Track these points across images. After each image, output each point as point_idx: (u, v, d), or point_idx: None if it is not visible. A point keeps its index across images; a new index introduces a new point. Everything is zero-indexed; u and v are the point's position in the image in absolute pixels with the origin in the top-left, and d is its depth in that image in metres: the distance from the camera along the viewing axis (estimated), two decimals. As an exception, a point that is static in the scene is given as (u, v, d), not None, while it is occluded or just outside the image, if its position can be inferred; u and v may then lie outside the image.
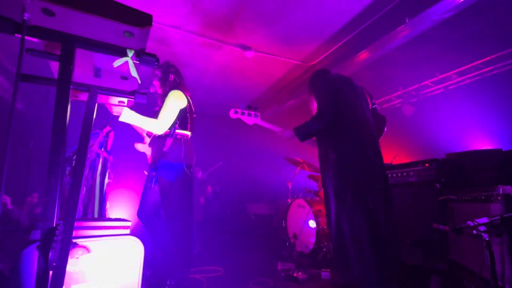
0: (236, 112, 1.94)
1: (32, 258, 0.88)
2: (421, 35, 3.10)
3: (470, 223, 1.24)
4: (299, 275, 2.44)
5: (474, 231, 1.23)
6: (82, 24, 0.69)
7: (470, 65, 3.76)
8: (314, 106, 2.06)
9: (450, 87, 4.13)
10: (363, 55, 3.56)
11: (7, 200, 3.02)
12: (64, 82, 0.73)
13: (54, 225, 0.74)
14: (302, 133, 1.78)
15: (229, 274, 2.68)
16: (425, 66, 4.08)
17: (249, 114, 1.95)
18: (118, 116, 1.95)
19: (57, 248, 0.74)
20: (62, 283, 0.74)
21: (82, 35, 0.72)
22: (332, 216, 1.68)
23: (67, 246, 0.77)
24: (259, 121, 1.97)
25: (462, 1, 2.50)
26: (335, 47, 3.73)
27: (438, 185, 2.09)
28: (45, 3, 0.62)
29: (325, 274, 2.46)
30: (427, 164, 2.22)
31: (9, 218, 2.86)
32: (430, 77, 4.22)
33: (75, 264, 0.98)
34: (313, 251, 3.22)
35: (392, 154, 3.68)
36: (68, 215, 0.80)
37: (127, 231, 1.22)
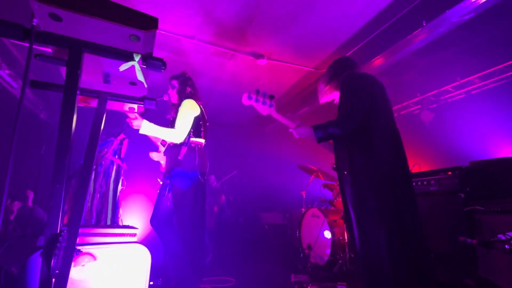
0: (250, 98, 1.72)
1: (38, 264, 0.87)
2: (440, 38, 2.99)
3: (502, 236, 1.13)
4: (314, 288, 2.34)
5: (506, 246, 1.12)
6: (89, 29, 0.69)
7: (494, 68, 3.58)
8: (328, 96, 1.88)
9: (473, 92, 3.94)
10: (379, 61, 3.47)
11: (30, 195, 3.13)
12: (71, 86, 0.73)
13: (58, 231, 0.73)
14: (322, 135, 1.59)
15: (240, 285, 2.61)
16: (444, 70, 3.92)
17: (263, 102, 1.73)
18: (131, 124, 2.01)
19: (60, 255, 0.72)
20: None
21: (89, 39, 0.72)
22: (355, 228, 1.54)
23: (70, 253, 0.75)
24: (273, 112, 1.76)
25: (483, 2, 2.40)
26: (349, 53, 3.67)
27: (462, 195, 1.96)
28: (52, 8, 0.63)
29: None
30: (449, 172, 2.09)
31: (30, 216, 2.96)
32: (450, 82, 4.05)
33: (81, 272, 0.97)
34: (328, 263, 3.09)
35: (411, 163, 3.51)
36: (73, 222, 0.79)
37: (134, 238, 1.20)
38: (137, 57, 0.78)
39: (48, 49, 0.88)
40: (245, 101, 1.74)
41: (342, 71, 1.81)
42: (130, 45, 0.75)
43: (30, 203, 3.01)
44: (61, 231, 0.73)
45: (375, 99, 1.59)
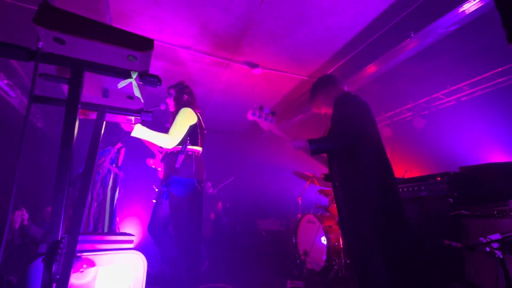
0: (254, 114, 1.86)
1: (39, 271, 0.90)
2: (429, 48, 3.10)
3: (483, 239, 1.18)
4: (309, 294, 2.36)
5: (487, 248, 1.18)
6: (90, 50, 0.76)
7: (482, 76, 3.69)
8: (322, 109, 2.03)
9: (462, 99, 4.05)
10: (371, 69, 3.57)
11: (25, 216, 3.13)
12: (73, 103, 0.79)
13: (59, 239, 0.77)
14: (316, 148, 1.71)
15: (237, 292, 2.63)
16: (435, 78, 4.04)
17: (265, 119, 1.88)
18: (129, 133, 2.05)
19: (61, 261, 0.76)
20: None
21: (89, 59, 0.78)
22: (349, 235, 1.67)
23: (70, 259, 0.79)
24: (273, 128, 1.92)
25: (467, 15, 2.51)
26: (342, 62, 3.77)
27: (451, 200, 2.02)
28: (56, 33, 0.69)
29: (336, 293, 2.36)
30: (438, 178, 2.16)
31: (26, 234, 2.95)
32: (441, 89, 4.16)
33: (80, 278, 1.00)
34: (324, 269, 3.12)
35: (403, 169, 3.59)
36: (73, 229, 0.84)
37: (131, 245, 1.24)
38: (134, 75, 0.83)
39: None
40: (250, 117, 1.88)
41: (334, 88, 1.97)
42: (128, 64, 0.81)
43: (25, 222, 2.99)
44: (62, 238, 0.78)
45: (363, 117, 1.74)
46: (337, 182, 1.76)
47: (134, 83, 0.84)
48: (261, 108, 1.88)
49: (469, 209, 1.77)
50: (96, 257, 1.06)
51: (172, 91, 2.44)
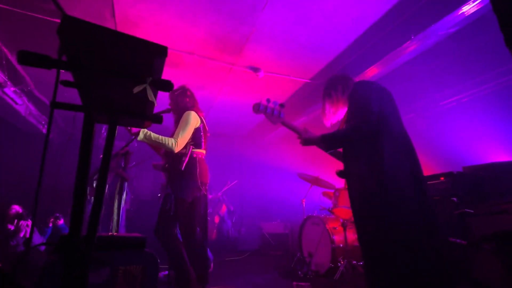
0: (259, 108, 1.65)
1: (56, 272, 0.94)
2: (430, 49, 3.14)
3: (487, 237, 1.20)
4: (315, 295, 2.37)
5: (491, 245, 1.20)
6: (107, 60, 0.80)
7: (483, 76, 3.72)
8: (336, 116, 1.82)
9: (464, 100, 4.07)
10: (372, 71, 3.61)
11: (29, 227, 3.17)
12: (90, 109, 0.83)
13: (78, 240, 0.81)
14: (330, 142, 1.56)
15: (243, 294, 2.64)
16: (436, 79, 4.06)
17: (273, 112, 1.67)
18: (135, 138, 2.09)
19: (80, 262, 0.80)
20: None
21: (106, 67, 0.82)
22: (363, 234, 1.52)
23: (89, 260, 0.83)
24: (283, 121, 1.72)
25: (466, 17, 2.54)
26: (343, 64, 3.81)
27: (455, 199, 2.04)
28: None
29: (342, 294, 2.37)
30: (442, 178, 2.18)
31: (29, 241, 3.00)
32: (442, 89, 4.18)
33: (96, 277, 1.03)
34: (329, 271, 3.13)
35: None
36: (90, 231, 0.87)
37: (143, 246, 1.27)
38: (148, 80, 0.87)
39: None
40: (255, 110, 1.69)
41: (348, 86, 1.75)
42: (143, 70, 0.85)
43: (27, 234, 3.02)
44: (80, 240, 0.81)
45: (383, 103, 1.56)
46: (354, 177, 1.58)
47: (148, 88, 0.88)
48: (268, 101, 1.68)
49: (473, 208, 1.79)
50: (111, 257, 1.09)
51: (175, 96, 2.49)
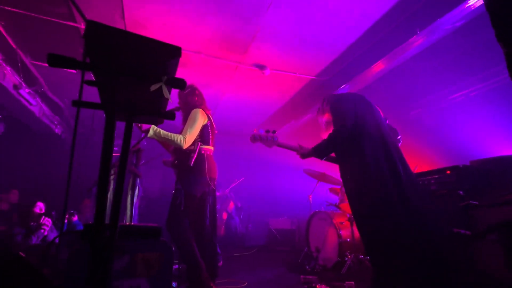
0: (255, 138, 2.05)
1: (82, 258, 1.01)
2: (436, 43, 3.14)
3: (490, 227, 1.23)
4: (322, 287, 2.43)
5: (495, 236, 1.23)
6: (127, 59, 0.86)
7: (493, 69, 3.68)
8: (329, 125, 2.08)
9: (472, 94, 4.04)
10: (378, 67, 3.62)
11: (48, 226, 3.34)
12: (111, 105, 0.90)
13: (103, 228, 0.88)
14: (319, 153, 1.82)
15: (253, 286, 2.71)
16: (444, 73, 4.04)
17: (267, 139, 2.05)
18: (146, 136, 2.17)
19: (106, 247, 0.87)
20: (110, 277, 0.87)
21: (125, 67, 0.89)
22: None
23: (112, 247, 0.90)
24: (278, 144, 2.08)
25: (473, 10, 2.54)
26: (349, 61, 3.83)
27: (461, 192, 2.05)
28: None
29: (349, 285, 2.42)
30: (448, 172, 2.19)
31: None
32: (450, 84, 4.16)
33: (117, 263, 1.11)
34: (336, 265, 3.17)
35: (413, 165, 3.60)
36: (113, 220, 0.94)
37: (159, 235, 1.35)
38: (164, 79, 0.94)
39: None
40: (252, 141, 2.06)
41: (328, 102, 2.03)
42: (159, 69, 0.91)
43: (46, 233, 3.17)
44: (104, 227, 0.88)
45: (358, 108, 1.81)
46: (348, 176, 1.82)
47: (164, 87, 0.95)
48: (260, 131, 2.06)
49: (479, 200, 1.81)
50: (130, 244, 1.16)
51: (183, 94, 2.56)
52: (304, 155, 1.98)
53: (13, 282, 1.11)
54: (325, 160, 2.06)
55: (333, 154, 2.05)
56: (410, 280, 1.46)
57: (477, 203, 1.76)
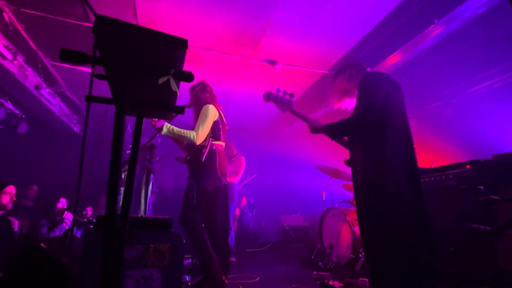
0: (269, 97, 1.78)
1: (97, 247, 1.05)
2: (455, 33, 2.99)
3: (510, 221, 1.17)
4: (335, 283, 2.40)
5: (518, 231, 1.16)
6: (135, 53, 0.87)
7: (516, 60, 3.48)
8: (344, 101, 1.88)
9: (495, 85, 3.84)
10: (393, 59, 3.50)
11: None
12: (121, 100, 0.91)
13: (114, 217, 0.90)
14: (333, 131, 1.64)
15: (264, 281, 2.72)
16: (463, 65, 3.86)
17: (282, 101, 1.78)
18: (159, 132, 2.22)
19: (117, 235, 0.89)
20: (122, 267, 0.89)
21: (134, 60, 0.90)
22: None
23: (124, 237, 0.92)
24: (292, 109, 1.82)
25: (495, -5, 2.40)
26: (363, 53, 3.72)
27: (482, 187, 1.96)
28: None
29: (363, 282, 2.38)
30: (468, 166, 2.10)
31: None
32: (470, 76, 3.97)
33: (130, 253, 1.14)
34: (350, 261, 3.12)
35: (431, 160, 3.48)
36: (124, 210, 0.97)
37: (170, 226, 1.38)
38: (172, 71, 0.95)
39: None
40: (265, 99, 1.80)
41: (357, 74, 1.81)
42: (167, 62, 0.92)
43: (67, 226, 3.38)
44: (117, 218, 0.91)
45: (389, 97, 1.60)
46: (358, 166, 1.65)
47: (172, 79, 0.95)
48: (277, 90, 1.80)
49: (500, 195, 1.72)
50: (143, 235, 1.19)
51: (195, 91, 2.59)
52: (316, 129, 1.78)
53: (34, 270, 1.17)
54: (337, 141, 1.89)
55: (345, 138, 1.88)
56: (410, 280, 1.40)
57: (498, 198, 1.68)
